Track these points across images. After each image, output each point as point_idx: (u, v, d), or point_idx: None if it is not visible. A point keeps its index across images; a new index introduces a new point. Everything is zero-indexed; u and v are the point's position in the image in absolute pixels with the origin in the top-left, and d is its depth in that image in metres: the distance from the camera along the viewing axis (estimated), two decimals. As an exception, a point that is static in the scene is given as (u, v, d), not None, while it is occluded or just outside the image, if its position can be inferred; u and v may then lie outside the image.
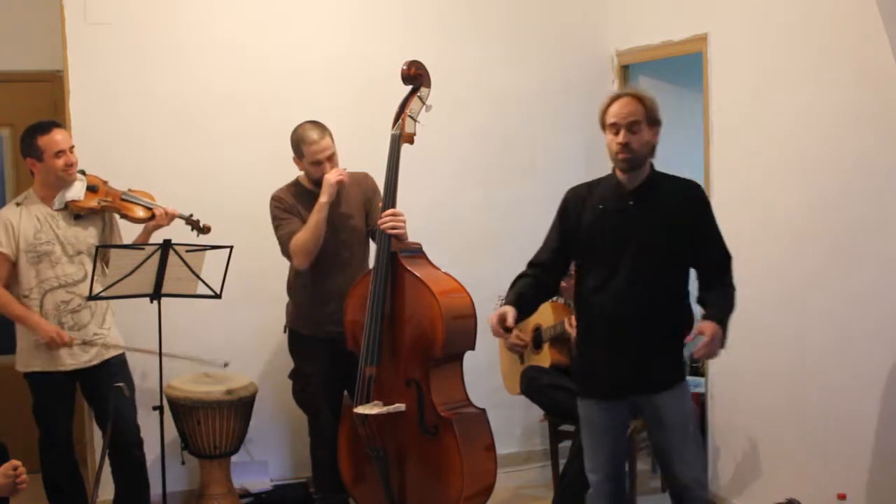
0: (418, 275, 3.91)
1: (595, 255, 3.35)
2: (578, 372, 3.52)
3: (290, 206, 4.17)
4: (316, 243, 4.07)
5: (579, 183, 3.52)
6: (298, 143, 4.14)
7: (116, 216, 4.11)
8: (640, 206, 3.30)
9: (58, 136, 3.91)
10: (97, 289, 3.89)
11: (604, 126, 3.33)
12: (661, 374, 3.33)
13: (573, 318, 4.32)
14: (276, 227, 4.18)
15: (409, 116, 4.01)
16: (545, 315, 4.55)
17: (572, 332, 4.32)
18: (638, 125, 3.25)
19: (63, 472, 4.05)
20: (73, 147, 3.96)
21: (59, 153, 3.89)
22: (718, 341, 3.20)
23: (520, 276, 3.52)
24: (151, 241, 4.08)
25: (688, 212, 3.31)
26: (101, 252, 3.96)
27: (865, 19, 3.60)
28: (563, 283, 4.42)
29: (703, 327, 3.20)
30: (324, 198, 4.05)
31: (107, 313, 4.07)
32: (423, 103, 4.05)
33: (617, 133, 3.26)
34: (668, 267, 3.30)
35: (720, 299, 3.29)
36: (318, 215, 4.05)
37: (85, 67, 4.51)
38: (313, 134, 4.11)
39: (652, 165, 3.35)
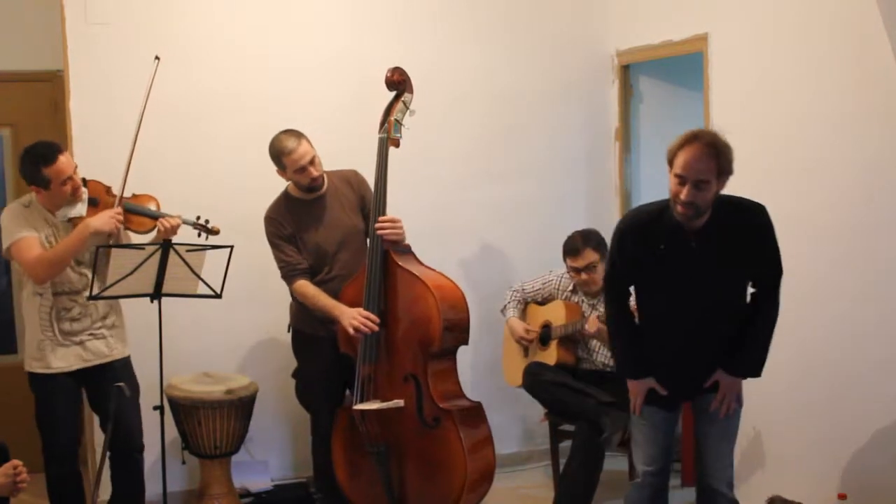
0: (412, 271, 3.95)
1: (657, 289, 3.29)
2: None
3: (284, 230, 4.17)
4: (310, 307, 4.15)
5: (636, 210, 3.42)
6: (278, 155, 4.12)
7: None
8: (703, 246, 3.18)
9: (62, 164, 3.78)
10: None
11: (670, 163, 3.13)
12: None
13: (591, 319, 4.32)
14: (274, 253, 4.21)
15: (395, 120, 4.07)
16: (557, 313, 4.55)
17: (590, 331, 4.32)
18: (707, 184, 3.03)
19: (64, 483, 3.96)
20: (76, 167, 3.87)
21: (67, 180, 3.80)
22: (731, 400, 3.31)
23: (621, 323, 3.42)
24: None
25: (751, 238, 3.21)
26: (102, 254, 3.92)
27: (865, 19, 3.61)
28: (582, 276, 4.43)
29: (722, 383, 3.29)
30: (336, 314, 4.03)
31: (109, 314, 4.00)
32: (407, 108, 4.11)
33: (682, 184, 3.05)
34: (732, 293, 3.27)
35: (753, 347, 3.29)
36: (324, 308, 4.06)
37: (85, 67, 4.50)
38: (290, 143, 4.08)
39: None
